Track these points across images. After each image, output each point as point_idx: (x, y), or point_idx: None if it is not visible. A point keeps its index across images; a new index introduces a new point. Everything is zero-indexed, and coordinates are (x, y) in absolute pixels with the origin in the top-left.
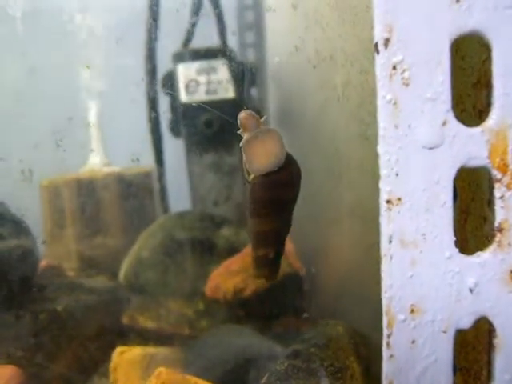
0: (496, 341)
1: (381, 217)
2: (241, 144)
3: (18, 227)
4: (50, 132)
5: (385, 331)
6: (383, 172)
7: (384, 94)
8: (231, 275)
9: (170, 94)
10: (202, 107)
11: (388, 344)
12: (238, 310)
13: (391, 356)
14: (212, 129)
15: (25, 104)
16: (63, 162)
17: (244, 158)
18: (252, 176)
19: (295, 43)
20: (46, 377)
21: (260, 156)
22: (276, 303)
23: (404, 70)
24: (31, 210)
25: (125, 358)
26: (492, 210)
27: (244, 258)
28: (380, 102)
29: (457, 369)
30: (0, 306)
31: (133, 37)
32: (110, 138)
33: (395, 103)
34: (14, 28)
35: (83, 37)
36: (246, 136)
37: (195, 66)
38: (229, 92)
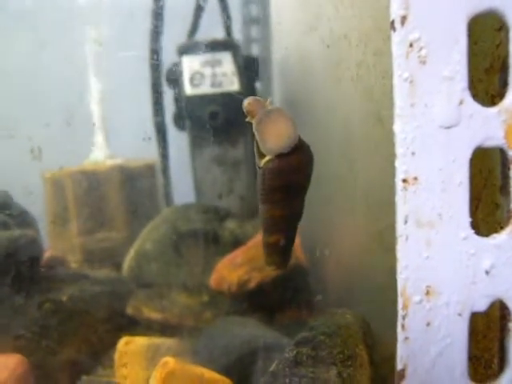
0: (511, 324)
1: (396, 196)
2: (253, 125)
3: (23, 217)
4: (59, 110)
5: (400, 313)
6: (399, 151)
7: (400, 73)
8: (236, 267)
9: (175, 87)
10: (206, 100)
11: (403, 326)
12: (243, 301)
13: (406, 338)
14: (216, 121)
15: (34, 81)
16: (72, 141)
17: (257, 138)
18: (264, 161)
19: (310, 23)
20: (50, 366)
21: (273, 136)
22: (281, 295)
23: (421, 48)
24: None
25: (130, 348)
26: (505, 196)
27: (248, 250)
28: (396, 81)
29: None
30: (4, 296)
31: (138, 29)
32: (114, 130)
33: (412, 81)
34: (23, 3)
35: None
36: (256, 116)
37: (200, 58)
38: (234, 84)
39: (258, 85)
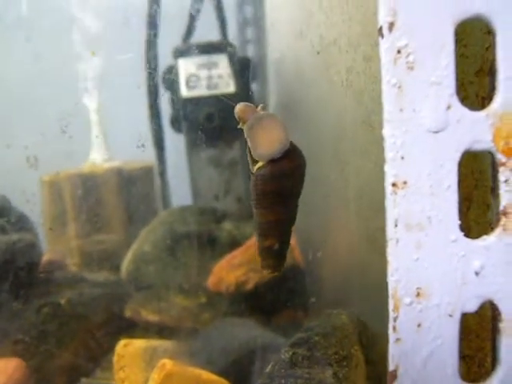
0: (502, 325)
1: (386, 200)
2: (244, 131)
3: (21, 221)
4: (54, 118)
5: (391, 314)
6: (389, 155)
7: (389, 79)
8: (233, 268)
9: (171, 90)
10: (202, 102)
11: (394, 328)
12: (241, 303)
13: (397, 339)
14: (213, 123)
15: (29, 90)
16: (69, 149)
17: (248, 144)
18: (256, 167)
19: (300, 28)
20: (49, 370)
21: (265, 141)
22: (278, 296)
23: (408, 54)
24: (37, 198)
25: (128, 350)
26: (495, 198)
27: (246, 252)
28: (385, 86)
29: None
30: (2, 300)
31: (133, 31)
32: (111, 133)
33: (400, 87)
34: (18, 13)
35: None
36: (247, 122)
37: (196, 60)
38: (230, 86)
39: (253, 86)
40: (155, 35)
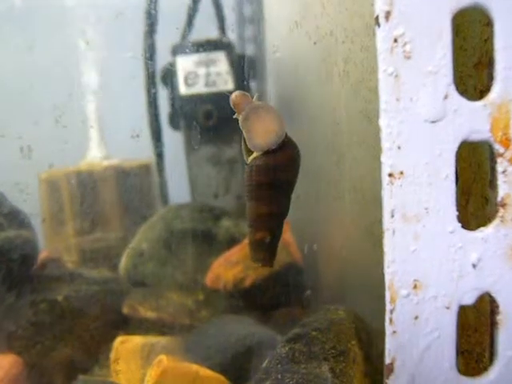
0: (499, 317)
1: (383, 190)
2: (240, 121)
3: (17, 217)
4: (49, 109)
5: (388, 307)
6: (385, 145)
7: (385, 68)
8: (231, 266)
9: (169, 87)
10: (200, 99)
11: (391, 320)
12: (238, 300)
13: (394, 332)
14: (211, 121)
15: (24, 80)
16: (62, 139)
17: (244, 134)
18: (251, 158)
19: (295, 19)
20: (46, 366)
21: (260, 132)
22: (276, 293)
23: (405, 43)
24: (30, 189)
25: (126, 347)
26: (493, 191)
27: (244, 249)
28: (381, 76)
29: (459, 352)
30: (1, 297)
31: (132, 29)
32: (109, 130)
33: (397, 76)
34: (12, 3)
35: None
36: (243, 112)
37: (194, 58)
38: (228, 84)
39: (252, 84)
40: (153, 29)
